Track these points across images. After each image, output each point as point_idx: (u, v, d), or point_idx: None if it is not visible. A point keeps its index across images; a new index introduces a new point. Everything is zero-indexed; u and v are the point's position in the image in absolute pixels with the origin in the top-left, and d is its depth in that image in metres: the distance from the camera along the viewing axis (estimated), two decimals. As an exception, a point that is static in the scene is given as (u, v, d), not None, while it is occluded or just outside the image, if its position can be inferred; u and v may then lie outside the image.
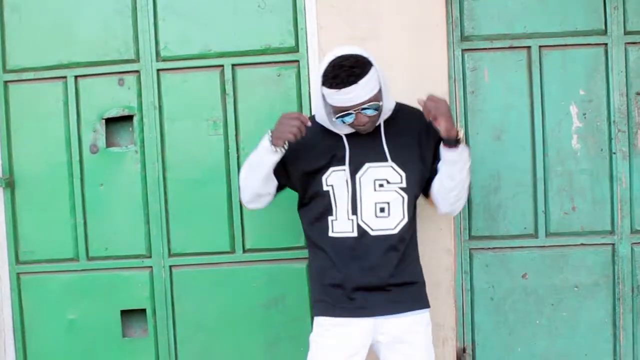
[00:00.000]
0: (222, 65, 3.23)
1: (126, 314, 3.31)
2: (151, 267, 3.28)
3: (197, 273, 3.28)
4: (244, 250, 3.26)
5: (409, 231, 2.58)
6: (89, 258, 3.30)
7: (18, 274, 3.33)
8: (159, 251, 3.27)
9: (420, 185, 2.59)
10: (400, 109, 2.60)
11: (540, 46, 3.20)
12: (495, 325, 3.25)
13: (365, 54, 2.44)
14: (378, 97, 2.43)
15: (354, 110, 2.41)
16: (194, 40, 3.24)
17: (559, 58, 3.20)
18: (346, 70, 2.36)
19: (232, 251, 3.26)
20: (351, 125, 2.48)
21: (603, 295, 3.23)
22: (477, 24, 3.21)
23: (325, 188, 2.55)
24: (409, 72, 3.09)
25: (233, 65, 3.22)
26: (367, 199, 2.52)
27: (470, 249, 3.24)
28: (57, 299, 3.32)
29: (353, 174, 2.52)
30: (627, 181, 3.20)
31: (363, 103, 2.40)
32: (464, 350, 3.26)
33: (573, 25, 3.20)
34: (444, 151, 2.48)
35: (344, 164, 2.53)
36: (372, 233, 2.52)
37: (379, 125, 2.55)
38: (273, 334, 3.26)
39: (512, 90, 3.22)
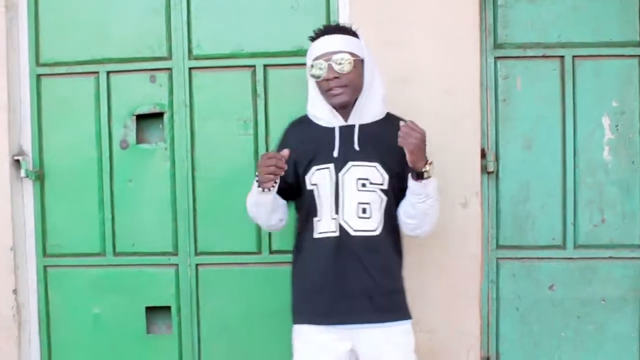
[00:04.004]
0: (254, 66, 3.24)
1: (151, 310, 3.33)
2: (177, 264, 3.30)
3: (222, 272, 3.28)
4: (270, 252, 3.26)
5: (391, 236, 2.54)
6: (115, 253, 3.32)
7: (45, 266, 3.36)
8: (186, 249, 3.28)
9: (400, 191, 2.52)
10: (391, 116, 2.60)
11: (573, 56, 3.18)
12: (520, 335, 3.23)
13: (353, 27, 2.58)
14: (353, 57, 2.47)
15: (325, 60, 2.46)
16: (227, 40, 3.25)
17: (592, 68, 3.18)
18: (327, 26, 2.59)
19: (259, 252, 3.26)
20: (326, 89, 2.49)
21: (630, 309, 3.19)
22: (510, 32, 3.20)
23: (309, 187, 2.53)
24: (441, 78, 3.08)
25: (265, 65, 3.23)
26: (350, 199, 2.48)
27: (497, 258, 3.22)
28: (83, 293, 3.34)
29: (337, 172, 2.49)
30: (658, 195, 3.16)
31: (335, 52, 2.45)
32: (487, 359, 3.23)
33: (607, 36, 3.17)
34: (409, 179, 2.42)
35: (327, 162, 2.51)
36: (352, 233, 2.47)
37: (354, 126, 2.52)
38: (296, 336, 3.25)
39: (544, 99, 3.19)
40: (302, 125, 2.64)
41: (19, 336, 3.32)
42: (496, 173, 3.19)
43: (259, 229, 3.24)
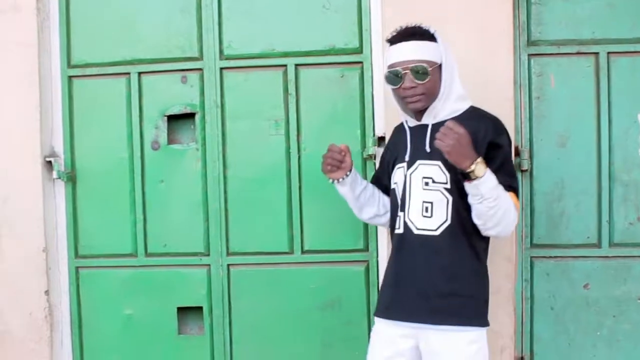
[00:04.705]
0: (286, 65, 3.22)
1: (182, 311, 3.32)
2: (209, 265, 3.29)
3: (254, 272, 3.28)
4: (302, 251, 3.25)
5: (459, 238, 2.46)
6: (147, 254, 3.32)
7: (77, 267, 3.37)
8: (217, 249, 3.28)
9: None
10: (472, 110, 2.56)
11: (608, 52, 3.14)
12: (555, 335, 3.20)
13: (432, 30, 2.50)
14: (431, 66, 2.43)
15: (402, 69, 2.43)
16: (258, 40, 3.24)
17: (627, 65, 3.14)
18: (406, 29, 2.50)
19: (291, 252, 3.25)
20: (402, 96, 2.48)
21: (667, 308, 3.16)
22: (544, 29, 3.17)
23: (392, 186, 2.60)
24: (474, 75, 3.03)
25: (296, 65, 3.22)
26: (415, 197, 2.48)
27: (531, 257, 3.19)
28: (115, 294, 3.34)
29: (407, 170, 2.52)
30: (695, 192, 3.12)
31: (412, 62, 2.42)
32: (522, 359, 3.20)
33: (643, 32, 3.14)
34: (465, 184, 2.35)
35: (403, 161, 2.54)
36: (415, 232, 2.47)
37: (427, 125, 2.52)
38: (329, 337, 3.24)
39: (578, 96, 3.16)
40: (400, 124, 2.69)
41: (51, 337, 3.32)
42: (530, 171, 3.16)
43: (290, 228, 3.24)
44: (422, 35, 2.48)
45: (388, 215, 2.70)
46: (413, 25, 2.52)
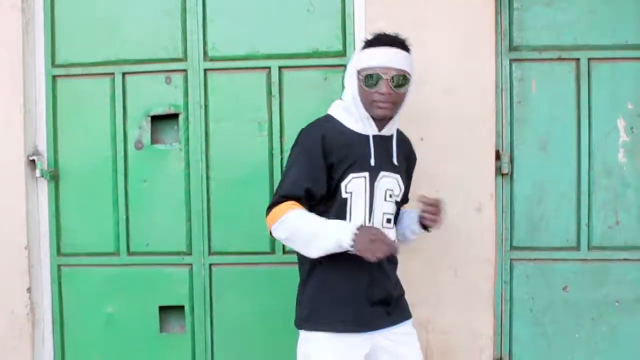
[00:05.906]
0: (269, 67, 3.24)
1: (164, 310, 3.34)
2: (191, 264, 3.30)
3: (236, 272, 3.29)
4: (284, 252, 3.26)
5: None
6: (129, 253, 3.33)
7: (59, 265, 3.38)
8: (200, 249, 3.29)
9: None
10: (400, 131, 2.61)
11: (589, 58, 3.18)
12: (534, 336, 3.23)
13: (408, 42, 2.47)
14: (409, 80, 2.42)
15: (383, 73, 2.36)
16: (242, 42, 3.26)
17: (608, 71, 3.18)
18: (394, 36, 2.44)
19: (272, 252, 3.27)
20: (373, 100, 2.39)
21: (644, 311, 3.19)
22: (526, 35, 3.20)
23: (344, 195, 2.43)
24: (457, 80, 3.08)
25: (280, 67, 3.24)
26: (379, 209, 2.47)
27: (511, 259, 3.22)
28: (97, 292, 3.36)
29: (372, 181, 2.45)
30: (673, 197, 3.16)
31: (397, 70, 2.37)
32: (500, 360, 3.25)
33: (623, 38, 3.17)
34: (416, 224, 2.58)
35: (364, 170, 2.43)
36: None
37: (392, 136, 2.52)
38: (310, 337, 3.25)
39: (559, 101, 3.20)
40: (336, 128, 2.44)
41: (33, 334, 3.33)
42: (511, 174, 3.19)
43: (273, 229, 3.25)
44: (405, 46, 2.44)
45: None
46: (393, 33, 2.46)
